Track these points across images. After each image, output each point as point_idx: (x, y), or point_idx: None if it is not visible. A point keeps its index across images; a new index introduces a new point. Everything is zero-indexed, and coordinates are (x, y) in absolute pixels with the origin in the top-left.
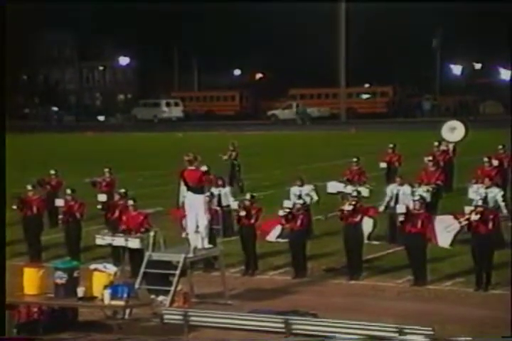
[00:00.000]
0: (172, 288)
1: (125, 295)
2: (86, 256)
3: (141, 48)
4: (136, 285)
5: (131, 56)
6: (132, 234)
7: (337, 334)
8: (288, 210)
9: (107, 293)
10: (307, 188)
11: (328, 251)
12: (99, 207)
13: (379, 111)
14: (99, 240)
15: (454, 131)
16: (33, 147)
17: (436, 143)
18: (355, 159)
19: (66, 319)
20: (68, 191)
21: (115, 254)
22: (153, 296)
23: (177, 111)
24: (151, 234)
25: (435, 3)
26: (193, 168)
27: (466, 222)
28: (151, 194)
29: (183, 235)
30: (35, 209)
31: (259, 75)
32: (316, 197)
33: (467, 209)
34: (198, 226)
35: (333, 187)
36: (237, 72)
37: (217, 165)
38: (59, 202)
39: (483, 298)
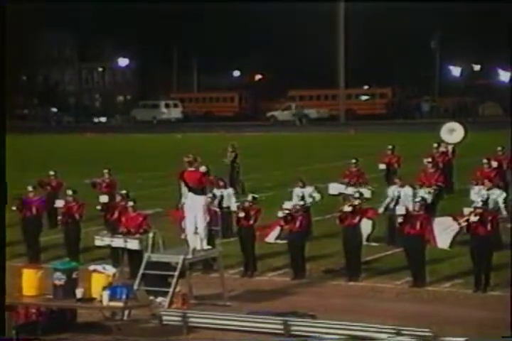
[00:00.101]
0: (171, 290)
1: (124, 297)
2: (85, 257)
3: (140, 49)
4: (135, 287)
5: (131, 57)
6: (131, 235)
7: (335, 336)
8: (287, 211)
9: (106, 294)
10: (309, 189)
11: (327, 252)
12: (98, 208)
13: (378, 113)
14: (98, 241)
15: (453, 132)
16: (32, 148)
17: (435, 145)
18: (354, 160)
19: (65, 320)
20: (69, 192)
21: (114, 255)
22: (152, 297)
23: (176, 113)
24: (150, 235)
25: (435, 3)
26: (192, 169)
27: (466, 223)
28: (151, 195)
29: (183, 236)
30: (34, 210)
31: (258, 76)
32: (318, 196)
33: (466, 210)
34: (197, 228)
35: (335, 188)
36: (236, 73)
37: (217, 167)
38: (59, 203)
39: (482, 299)
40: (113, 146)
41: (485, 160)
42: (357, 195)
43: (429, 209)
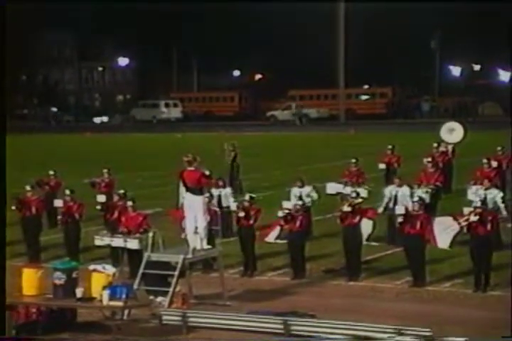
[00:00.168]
0: (171, 289)
1: (124, 296)
2: (85, 257)
3: (140, 49)
4: (135, 286)
5: (131, 56)
6: (131, 234)
7: (335, 336)
8: (287, 211)
9: (106, 293)
10: (307, 189)
11: (327, 252)
12: (98, 207)
13: (378, 112)
14: (98, 241)
15: (452, 132)
16: (32, 147)
17: (435, 145)
18: (354, 160)
19: (65, 320)
20: (67, 192)
21: (114, 255)
22: (151, 297)
23: (176, 112)
24: (150, 234)
25: (435, 3)
26: (192, 168)
27: (466, 223)
28: (150, 195)
29: (183, 236)
30: (34, 210)
31: (258, 76)
32: (316, 196)
33: (466, 210)
34: (196, 227)
35: (332, 188)
36: (236, 72)
37: (217, 166)
38: (58, 203)
39: (482, 299)
40: (113, 146)
41: (485, 160)
42: (354, 194)
43: (429, 209)
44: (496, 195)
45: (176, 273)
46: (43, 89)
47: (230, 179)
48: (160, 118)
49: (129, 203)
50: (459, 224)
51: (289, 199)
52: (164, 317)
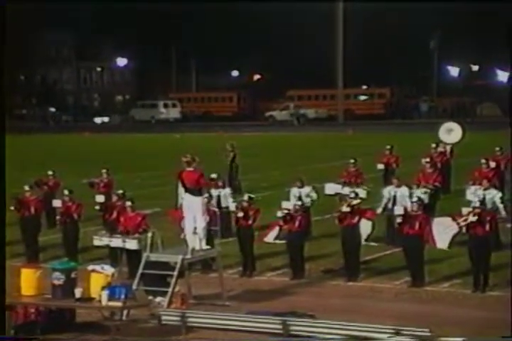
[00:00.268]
0: (170, 289)
1: (123, 296)
2: (84, 257)
3: (139, 49)
4: (134, 287)
5: (129, 57)
6: (130, 235)
7: (334, 336)
8: (286, 211)
9: (105, 294)
10: (307, 189)
11: (326, 252)
12: (97, 207)
13: (376, 113)
14: (97, 241)
15: (451, 132)
16: (30, 147)
17: (433, 145)
18: (352, 160)
19: (63, 320)
20: (66, 192)
21: (113, 255)
22: (150, 297)
23: (175, 112)
24: (149, 235)
25: (433, 3)
26: (191, 169)
27: (465, 223)
28: (149, 195)
29: (182, 236)
30: (32, 210)
31: (257, 76)
32: (315, 196)
33: (464, 210)
34: (195, 228)
35: (331, 188)
36: (235, 73)
37: (216, 166)
38: (56, 203)
39: (481, 299)
40: (111, 146)
41: (483, 161)
42: (352, 195)
43: (428, 210)
44: (494, 196)
45: (175, 273)
46: (41, 89)
47: (228, 179)
48: (159, 119)
49: (128, 203)
50: (458, 224)
51: (288, 199)
52: (163, 318)
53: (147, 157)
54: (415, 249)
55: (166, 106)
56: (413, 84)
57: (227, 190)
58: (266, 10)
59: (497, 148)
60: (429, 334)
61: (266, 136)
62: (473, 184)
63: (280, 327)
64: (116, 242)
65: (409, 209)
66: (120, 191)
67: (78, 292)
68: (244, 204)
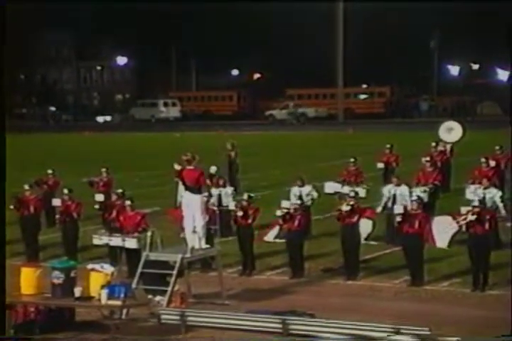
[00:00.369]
0: (169, 288)
1: (122, 295)
2: (83, 256)
3: (139, 48)
4: (134, 285)
5: (129, 56)
6: (129, 234)
7: (334, 335)
8: (285, 210)
9: (104, 293)
10: (307, 188)
11: (326, 251)
12: (96, 207)
13: (376, 112)
14: (97, 240)
15: (451, 131)
16: (30, 147)
17: (433, 144)
18: (352, 159)
19: (63, 319)
20: (65, 191)
21: (112, 254)
22: (150, 296)
23: (175, 111)
24: (148, 234)
25: (433, 3)
26: (191, 167)
27: (465, 222)
28: (149, 194)
29: (182, 235)
30: (32, 209)
31: (257, 75)
32: (316, 195)
33: (463, 209)
34: (195, 227)
35: (331, 187)
36: (235, 72)
37: (216, 165)
38: (56, 202)
39: (480, 298)
40: (111, 145)
41: (483, 159)
42: (352, 193)
43: (428, 208)
44: (494, 195)
45: (175, 272)
46: (41, 89)
47: (228, 178)
48: (159, 118)
49: (128, 202)
50: (458, 223)
51: (288, 198)
52: (163, 317)
53: (147, 156)
54: (415, 248)
55: (166, 105)
56: (413, 83)
57: (229, 189)
58: (266, 10)
59: (497, 147)
60: (428, 333)
61: (266, 135)
62: (473, 183)
63: (280, 326)
64: (116, 241)
65: (409, 208)
66: (120, 190)
67: (78, 291)
68: (244, 203)
